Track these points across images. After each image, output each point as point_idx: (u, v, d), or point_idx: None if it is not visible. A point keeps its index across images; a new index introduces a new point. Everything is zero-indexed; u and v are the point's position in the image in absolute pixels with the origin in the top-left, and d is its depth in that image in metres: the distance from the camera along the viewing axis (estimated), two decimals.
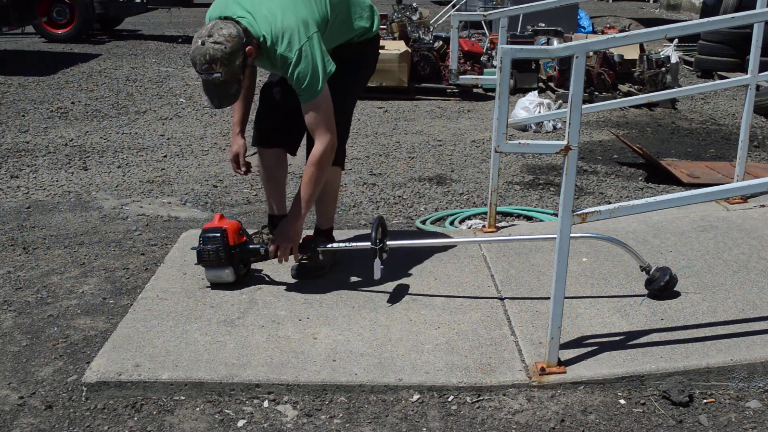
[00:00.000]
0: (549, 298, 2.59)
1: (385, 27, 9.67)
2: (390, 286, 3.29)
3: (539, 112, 7.19)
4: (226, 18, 2.93)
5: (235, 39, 2.85)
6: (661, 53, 10.05)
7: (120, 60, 10.53)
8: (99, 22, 12.85)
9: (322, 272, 3.39)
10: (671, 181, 5.38)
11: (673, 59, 9.48)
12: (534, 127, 7.12)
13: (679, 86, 8.52)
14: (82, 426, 2.51)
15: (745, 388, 2.65)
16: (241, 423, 2.51)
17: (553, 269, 2.54)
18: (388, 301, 3.17)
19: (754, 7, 3.54)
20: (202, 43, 2.85)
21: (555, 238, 2.51)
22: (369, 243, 3.10)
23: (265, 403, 2.59)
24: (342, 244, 3.37)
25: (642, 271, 3.15)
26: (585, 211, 2.50)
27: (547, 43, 9.18)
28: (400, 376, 2.66)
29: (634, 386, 2.64)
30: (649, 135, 7.03)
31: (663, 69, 8.69)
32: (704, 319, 2.97)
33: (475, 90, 8.71)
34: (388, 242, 3.17)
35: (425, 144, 6.49)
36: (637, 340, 2.84)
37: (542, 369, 2.66)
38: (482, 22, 10.70)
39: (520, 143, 2.51)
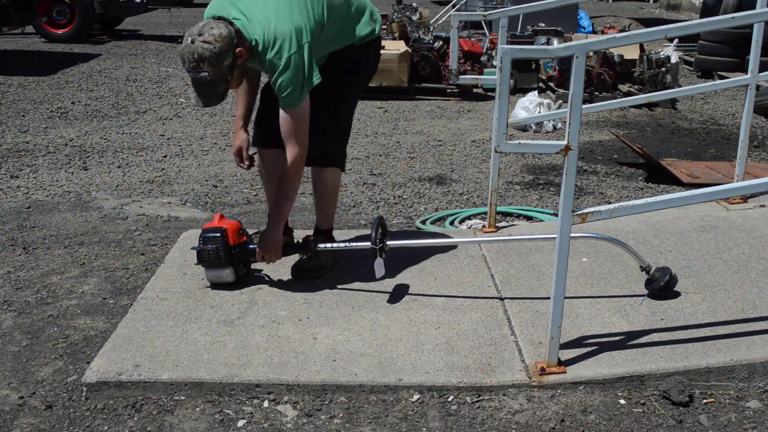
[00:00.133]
0: (549, 298, 2.59)
1: (385, 27, 9.67)
2: (390, 286, 3.29)
3: (539, 112, 7.19)
4: (220, 18, 2.92)
5: (225, 39, 2.84)
6: (661, 53, 10.05)
7: (120, 60, 10.52)
8: (99, 22, 12.85)
9: (322, 272, 3.39)
10: (671, 181, 5.38)
11: (673, 59, 9.47)
12: (534, 127, 7.11)
13: (679, 86, 8.52)
14: (82, 426, 2.51)
15: (745, 388, 2.65)
16: (241, 423, 2.51)
17: (553, 269, 2.54)
18: (388, 301, 3.17)
19: (754, 7, 3.54)
20: (192, 41, 2.84)
21: (555, 238, 2.51)
22: (369, 243, 3.10)
23: (265, 403, 2.59)
24: (342, 244, 3.36)
25: (642, 271, 3.15)
26: (585, 211, 2.50)
27: (547, 43, 9.17)
28: (400, 376, 2.66)
29: (634, 386, 2.64)
30: (649, 135, 7.03)
31: (663, 69, 8.68)
32: (704, 319, 2.97)
33: (475, 90, 8.71)
34: (388, 242, 3.17)
35: (425, 144, 6.49)
36: (637, 340, 2.83)
37: (542, 369, 2.66)
38: (482, 22, 10.70)
39: (520, 143, 2.51)
